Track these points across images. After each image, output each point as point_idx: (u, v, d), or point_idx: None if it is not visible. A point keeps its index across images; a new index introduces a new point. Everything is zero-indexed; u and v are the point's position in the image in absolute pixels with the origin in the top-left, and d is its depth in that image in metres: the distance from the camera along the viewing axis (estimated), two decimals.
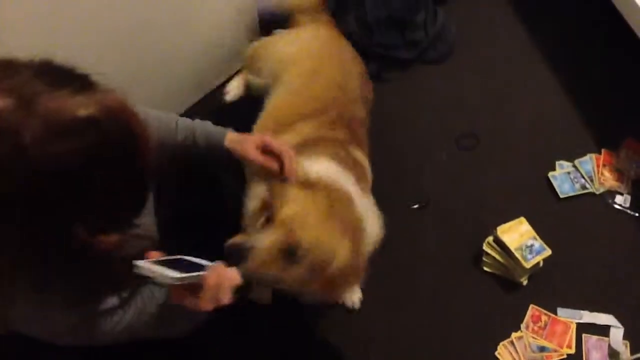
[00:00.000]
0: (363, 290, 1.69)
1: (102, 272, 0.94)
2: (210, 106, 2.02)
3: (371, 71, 2.15)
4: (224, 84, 2.06)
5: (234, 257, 0.99)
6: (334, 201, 1.12)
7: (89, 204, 0.79)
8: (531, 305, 1.68)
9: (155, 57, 1.76)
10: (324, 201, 1.10)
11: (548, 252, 1.68)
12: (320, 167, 1.25)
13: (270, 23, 2.03)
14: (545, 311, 1.67)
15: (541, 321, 1.65)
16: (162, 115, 1.29)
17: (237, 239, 1.04)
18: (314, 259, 1.04)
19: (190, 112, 1.99)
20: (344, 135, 1.43)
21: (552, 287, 1.71)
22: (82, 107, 0.73)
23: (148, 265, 0.88)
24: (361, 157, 1.44)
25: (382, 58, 2.18)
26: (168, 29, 1.72)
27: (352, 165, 1.33)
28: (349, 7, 2.16)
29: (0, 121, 0.68)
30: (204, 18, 1.82)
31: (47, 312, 0.92)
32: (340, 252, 1.09)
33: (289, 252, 1.02)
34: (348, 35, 2.10)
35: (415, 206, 1.84)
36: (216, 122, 1.35)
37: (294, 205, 1.05)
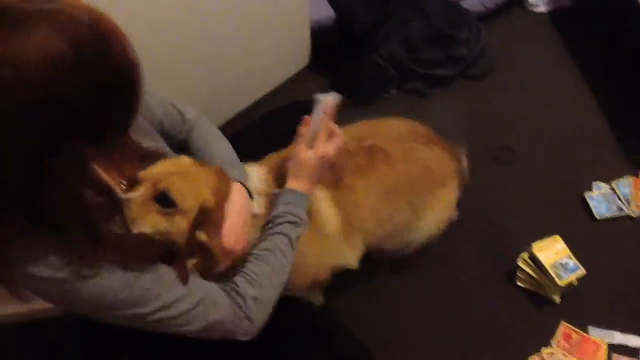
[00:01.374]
0: (398, 297, 1.76)
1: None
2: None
3: (415, 88, 2.23)
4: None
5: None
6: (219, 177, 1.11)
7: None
8: (563, 323, 1.71)
9: (213, 67, 1.86)
10: (198, 169, 1.08)
11: (582, 271, 1.71)
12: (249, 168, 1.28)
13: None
14: (577, 329, 1.70)
15: (572, 339, 1.69)
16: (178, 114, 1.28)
17: None
18: (188, 203, 1.00)
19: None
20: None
21: (585, 306, 1.74)
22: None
23: None
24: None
25: (425, 75, 2.24)
26: (232, 47, 1.84)
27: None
28: (393, 27, 2.22)
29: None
30: (262, 43, 1.93)
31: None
32: (205, 195, 1.05)
33: (163, 200, 0.98)
34: (392, 54, 2.18)
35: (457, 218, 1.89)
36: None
37: (160, 165, 1.04)
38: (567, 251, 1.75)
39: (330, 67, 2.31)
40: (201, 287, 1.01)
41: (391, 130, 1.51)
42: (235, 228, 1.08)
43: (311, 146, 1.18)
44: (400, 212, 1.46)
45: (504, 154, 2.08)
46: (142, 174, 1.00)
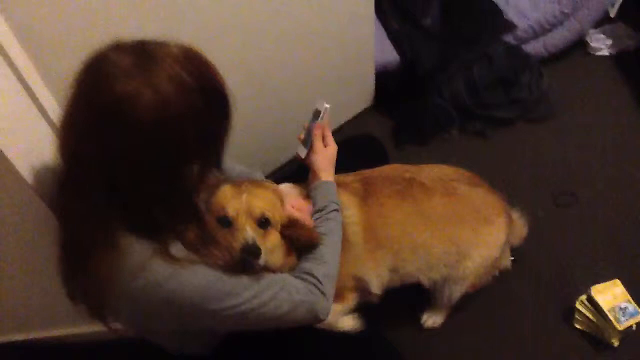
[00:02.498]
0: (455, 335, 1.81)
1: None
2: None
3: (475, 129, 2.30)
4: None
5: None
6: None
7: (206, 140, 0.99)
8: None
9: (281, 112, 2.00)
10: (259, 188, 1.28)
11: None
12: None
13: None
14: None
15: None
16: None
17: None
18: (274, 216, 1.22)
19: None
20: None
21: None
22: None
23: None
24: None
25: (485, 116, 2.31)
26: (298, 89, 1.97)
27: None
28: (455, 70, 2.31)
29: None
30: (329, 84, 2.05)
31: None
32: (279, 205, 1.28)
33: (261, 222, 1.19)
34: (454, 95, 2.27)
35: (511, 259, 1.91)
36: None
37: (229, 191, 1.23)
38: (627, 295, 1.76)
39: (392, 107, 2.42)
40: (278, 277, 1.17)
41: (434, 170, 1.59)
42: (304, 215, 1.32)
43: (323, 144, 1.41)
44: (439, 243, 1.52)
45: (564, 197, 2.11)
46: (231, 208, 1.18)
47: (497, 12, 2.45)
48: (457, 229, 1.52)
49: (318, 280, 1.19)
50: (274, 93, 1.92)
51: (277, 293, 1.12)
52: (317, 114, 1.43)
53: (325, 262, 1.23)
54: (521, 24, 2.45)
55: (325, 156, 1.40)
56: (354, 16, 1.97)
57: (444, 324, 1.85)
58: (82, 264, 1.01)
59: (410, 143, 2.33)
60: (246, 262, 1.11)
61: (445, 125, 2.34)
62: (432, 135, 2.33)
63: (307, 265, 1.23)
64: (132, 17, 1.44)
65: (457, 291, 1.64)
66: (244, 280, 1.09)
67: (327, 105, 1.42)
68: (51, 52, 1.38)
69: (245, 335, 1.25)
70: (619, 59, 2.58)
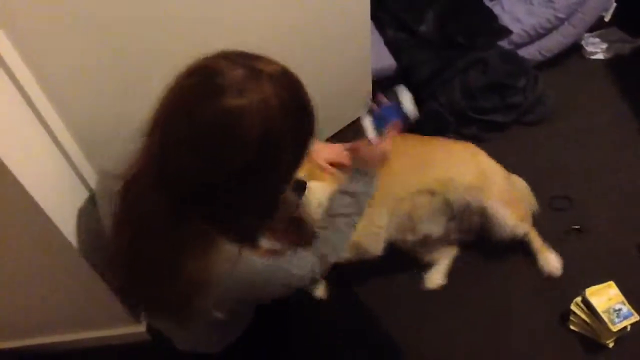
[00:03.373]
0: (448, 333, 1.84)
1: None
2: None
3: (471, 132, 2.33)
4: None
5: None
6: None
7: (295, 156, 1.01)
8: None
9: None
10: None
11: (636, 317, 1.74)
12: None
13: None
14: None
15: None
16: None
17: None
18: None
19: None
20: None
21: (638, 352, 1.76)
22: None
23: None
24: None
25: (481, 120, 2.34)
26: None
27: None
28: (451, 75, 2.34)
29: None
30: (325, 90, 2.06)
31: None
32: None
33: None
34: (450, 101, 2.29)
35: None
36: None
37: None
38: (621, 297, 1.78)
39: None
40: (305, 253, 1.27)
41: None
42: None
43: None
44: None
45: (559, 200, 2.13)
46: None
47: (492, 17, 2.48)
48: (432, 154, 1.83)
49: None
50: None
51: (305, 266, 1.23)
52: (396, 106, 1.38)
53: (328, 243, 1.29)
54: (516, 29, 2.48)
55: (377, 153, 1.36)
56: (350, 23, 2.00)
57: (439, 325, 1.88)
58: (171, 272, 1.02)
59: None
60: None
61: (441, 129, 2.36)
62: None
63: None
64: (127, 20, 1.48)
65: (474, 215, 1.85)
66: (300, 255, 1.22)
67: (417, 115, 1.39)
68: (48, 58, 1.42)
69: (251, 334, 1.32)
70: (613, 62, 2.61)
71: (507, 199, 1.87)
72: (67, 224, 1.44)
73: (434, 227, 1.88)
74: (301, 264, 1.22)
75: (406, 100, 1.38)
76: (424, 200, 1.80)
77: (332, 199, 1.33)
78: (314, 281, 1.27)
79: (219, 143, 0.91)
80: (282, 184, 1.07)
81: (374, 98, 1.45)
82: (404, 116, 1.37)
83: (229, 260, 1.04)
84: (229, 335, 1.37)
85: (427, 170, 1.81)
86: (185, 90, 0.93)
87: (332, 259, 1.29)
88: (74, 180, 1.58)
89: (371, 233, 1.74)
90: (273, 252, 1.13)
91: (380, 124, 1.36)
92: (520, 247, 1.99)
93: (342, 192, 1.32)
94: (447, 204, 1.83)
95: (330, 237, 1.30)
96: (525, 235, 1.94)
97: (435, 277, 1.96)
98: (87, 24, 1.44)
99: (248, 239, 1.08)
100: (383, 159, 1.35)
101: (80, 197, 1.60)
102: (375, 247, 1.78)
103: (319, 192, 1.49)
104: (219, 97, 0.89)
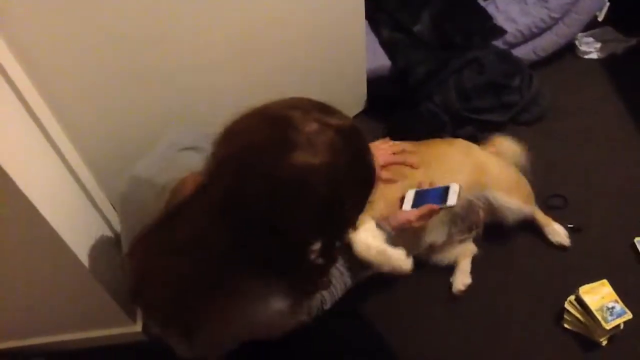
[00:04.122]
0: (443, 329, 1.85)
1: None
2: None
3: (466, 133, 2.34)
4: None
5: None
6: None
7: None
8: None
9: None
10: None
11: (629, 315, 1.75)
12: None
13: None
14: None
15: None
16: None
17: None
18: None
19: None
20: None
21: (631, 350, 1.77)
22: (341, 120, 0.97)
23: None
24: None
25: (476, 120, 2.35)
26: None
27: None
28: (446, 75, 2.35)
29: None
30: (320, 89, 2.08)
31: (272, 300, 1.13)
32: None
33: None
34: (445, 101, 2.30)
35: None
36: None
37: None
38: (614, 295, 1.80)
39: (385, 112, 2.45)
40: None
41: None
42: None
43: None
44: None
45: (554, 199, 2.14)
46: None
47: (487, 18, 2.49)
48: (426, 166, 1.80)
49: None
50: (265, 96, 1.96)
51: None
52: (443, 194, 1.55)
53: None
54: (510, 28, 2.49)
55: (404, 223, 1.50)
56: (345, 23, 2.01)
57: (434, 325, 1.90)
58: (203, 302, 1.05)
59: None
60: None
61: (437, 129, 2.37)
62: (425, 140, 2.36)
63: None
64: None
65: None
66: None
67: (454, 205, 1.53)
68: (52, 74, 1.45)
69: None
70: (607, 62, 2.62)
71: (506, 186, 1.90)
72: (63, 225, 1.45)
73: (438, 236, 1.90)
74: (314, 303, 1.29)
75: (453, 192, 1.54)
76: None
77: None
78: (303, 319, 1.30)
79: (288, 197, 0.92)
80: (342, 239, 1.11)
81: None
82: (443, 202, 1.52)
83: (257, 302, 1.09)
84: (231, 344, 1.39)
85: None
86: (261, 139, 0.93)
87: (327, 306, 1.35)
88: (72, 183, 1.60)
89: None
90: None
91: (419, 202, 1.54)
92: (514, 246, 2.00)
93: None
94: (449, 210, 1.83)
95: (337, 285, 1.36)
96: (531, 214, 1.99)
97: (461, 279, 1.96)
98: (96, 43, 1.48)
99: (299, 293, 1.14)
100: (404, 228, 1.49)
101: (76, 199, 1.62)
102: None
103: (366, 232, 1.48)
104: (292, 152, 0.89)
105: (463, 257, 2.01)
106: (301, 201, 0.92)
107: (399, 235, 1.54)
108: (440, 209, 1.52)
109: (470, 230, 1.99)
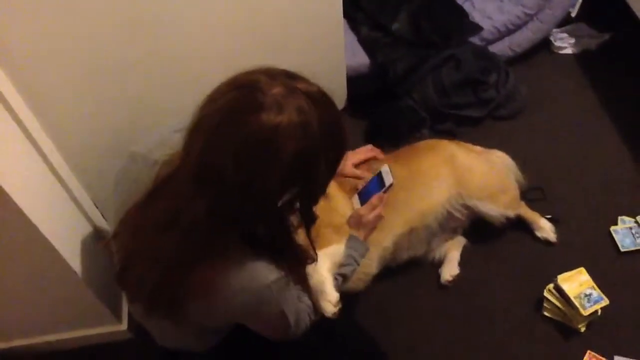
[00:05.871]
0: (426, 321, 1.88)
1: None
2: None
3: (445, 128, 2.38)
4: None
5: None
6: None
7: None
8: (588, 351, 1.79)
9: None
10: None
11: (606, 301, 1.80)
12: None
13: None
14: (602, 358, 1.77)
15: None
16: None
17: None
18: None
19: None
20: None
21: (609, 335, 1.82)
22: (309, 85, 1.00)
23: None
24: None
25: (454, 115, 2.39)
26: None
27: None
28: (425, 72, 2.38)
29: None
30: None
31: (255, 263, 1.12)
32: None
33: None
34: (424, 97, 2.33)
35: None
36: None
37: None
38: (591, 282, 1.84)
39: (365, 109, 2.49)
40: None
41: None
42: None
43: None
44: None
45: (532, 191, 2.18)
46: None
47: (463, 15, 2.53)
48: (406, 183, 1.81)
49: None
50: None
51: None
52: (380, 181, 1.57)
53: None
54: (487, 25, 2.53)
55: (362, 221, 1.51)
56: (323, 22, 2.03)
57: (418, 313, 1.94)
58: (187, 269, 1.06)
59: (383, 145, 2.38)
60: None
61: (416, 126, 2.41)
62: (404, 136, 2.38)
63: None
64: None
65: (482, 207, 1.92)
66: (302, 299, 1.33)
67: (392, 182, 1.55)
68: (32, 72, 1.46)
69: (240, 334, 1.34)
70: (581, 57, 2.68)
71: (488, 193, 1.92)
72: (46, 225, 1.45)
73: (417, 250, 1.96)
74: (299, 308, 1.28)
75: (386, 173, 1.57)
76: (404, 238, 1.86)
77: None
78: (299, 331, 1.30)
79: (256, 157, 0.94)
80: (314, 201, 1.11)
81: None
82: (382, 186, 1.55)
83: (241, 270, 1.09)
84: (216, 336, 1.40)
85: (405, 208, 1.83)
86: (227, 103, 0.95)
87: (314, 318, 1.35)
88: (54, 183, 1.60)
89: (358, 279, 1.76)
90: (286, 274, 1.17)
91: (365, 199, 1.57)
92: (494, 236, 2.04)
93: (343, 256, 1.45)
94: (428, 228, 1.89)
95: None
96: (517, 215, 2.02)
97: (448, 269, 1.99)
98: (77, 39, 1.49)
99: (277, 255, 1.14)
100: (373, 226, 1.52)
101: (59, 199, 1.62)
102: (360, 286, 1.81)
103: (326, 257, 1.50)
104: (258, 113, 0.92)
105: (452, 249, 2.04)
106: (270, 160, 0.94)
107: (372, 243, 1.58)
108: (384, 192, 1.54)
109: (454, 232, 2.03)
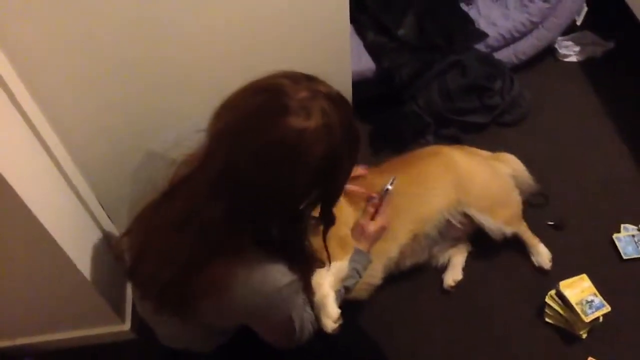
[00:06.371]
0: (427, 327, 1.89)
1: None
2: None
3: (450, 134, 2.39)
4: None
5: None
6: None
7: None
8: (589, 358, 1.79)
9: None
10: None
11: (607, 308, 1.80)
12: None
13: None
14: None
15: None
16: None
17: None
18: None
19: None
20: None
21: (611, 342, 1.83)
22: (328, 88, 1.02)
23: None
24: None
25: (459, 121, 2.40)
26: None
27: None
28: (430, 78, 2.39)
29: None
30: None
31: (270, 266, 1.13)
32: None
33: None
34: (429, 103, 2.35)
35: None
36: None
37: None
38: (593, 289, 1.85)
39: (370, 114, 2.50)
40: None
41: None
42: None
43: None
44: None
45: (536, 197, 2.19)
46: None
47: (469, 22, 2.55)
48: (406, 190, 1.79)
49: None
50: None
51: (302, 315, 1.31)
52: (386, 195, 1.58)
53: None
54: (492, 32, 2.54)
55: (363, 232, 1.53)
56: (329, 26, 2.04)
57: (417, 320, 1.95)
58: (200, 267, 1.07)
59: (387, 149, 2.41)
60: None
61: (421, 131, 2.42)
62: (409, 142, 2.40)
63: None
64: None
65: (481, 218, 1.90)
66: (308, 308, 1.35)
67: (390, 187, 1.56)
68: (42, 73, 1.47)
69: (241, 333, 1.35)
70: (586, 64, 2.69)
71: (488, 205, 1.90)
72: (54, 224, 1.47)
73: (418, 258, 1.96)
74: (305, 316, 1.30)
75: (390, 182, 1.58)
76: (407, 246, 1.85)
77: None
78: (303, 338, 1.32)
79: (284, 161, 0.95)
80: (334, 202, 1.14)
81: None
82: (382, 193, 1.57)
83: (254, 272, 1.10)
84: (222, 337, 1.41)
85: (406, 215, 1.82)
86: (253, 108, 0.97)
87: (316, 327, 1.36)
88: (62, 183, 1.61)
89: (362, 289, 1.76)
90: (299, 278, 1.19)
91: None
92: (497, 243, 2.05)
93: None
94: (428, 236, 1.89)
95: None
96: (515, 233, 1.99)
97: (451, 274, 1.99)
98: (86, 39, 1.52)
99: (291, 258, 1.15)
100: (377, 237, 1.54)
101: (66, 199, 1.63)
102: (363, 295, 1.81)
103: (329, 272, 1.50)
104: (285, 117, 0.93)
105: (456, 254, 2.04)
106: (298, 163, 0.96)
107: (375, 254, 1.59)
108: (380, 198, 1.55)
109: (457, 240, 2.03)
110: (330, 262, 1.33)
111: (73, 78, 1.59)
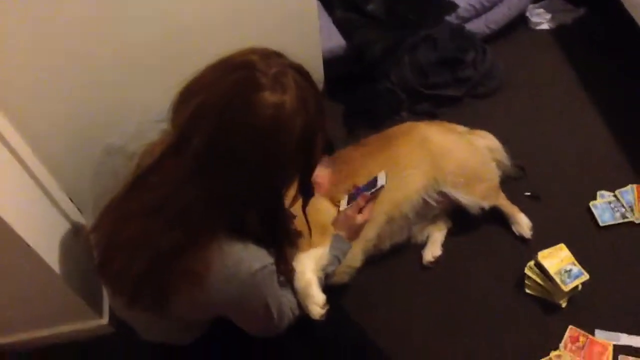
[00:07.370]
0: (410, 302, 1.89)
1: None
2: None
3: (424, 109, 2.37)
4: None
5: None
6: None
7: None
8: (570, 326, 1.80)
9: None
10: None
11: (586, 276, 1.81)
12: None
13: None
14: (584, 332, 1.79)
15: (579, 341, 1.78)
16: None
17: None
18: None
19: None
20: None
21: (590, 309, 1.83)
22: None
23: None
24: None
25: (433, 96, 2.38)
26: None
27: None
28: (402, 53, 2.36)
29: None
30: None
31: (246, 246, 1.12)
32: None
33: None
34: (402, 78, 2.31)
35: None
36: None
37: None
38: (571, 258, 1.85)
39: (343, 92, 2.46)
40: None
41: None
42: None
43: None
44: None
45: (513, 169, 2.18)
46: None
47: None
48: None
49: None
50: None
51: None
52: (372, 184, 1.55)
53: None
54: (462, 3, 2.52)
55: (349, 223, 1.51)
56: (296, 4, 2.00)
57: (399, 289, 1.94)
58: (174, 257, 1.04)
59: (362, 128, 2.38)
60: None
61: (395, 108, 2.40)
62: (383, 119, 2.37)
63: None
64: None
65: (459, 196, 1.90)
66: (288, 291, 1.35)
67: (384, 184, 1.52)
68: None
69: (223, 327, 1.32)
70: (558, 32, 2.68)
71: (464, 181, 1.88)
72: (19, 220, 1.43)
73: (398, 237, 1.95)
74: (282, 301, 1.27)
75: (380, 177, 1.54)
76: (386, 228, 1.85)
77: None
78: (282, 326, 1.29)
79: (268, 136, 0.96)
80: (312, 174, 1.13)
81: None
82: (372, 187, 1.53)
83: (227, 259, 1.08)
84: (200, 328, 1.39)
85: (382, 198, 1.73)
86: (229, 85, 0.96)
87: (297, 313, 1.35)
88: (23, 174, 1.57)
89: (343, 272, 1.77)
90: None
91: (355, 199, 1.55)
92: (477, 218, 2.04)
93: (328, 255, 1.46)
94: (405, 218, 1.88)
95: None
96: (493, 206, 1.99)
97: (431, 250, 1.99)
98: (46, 40, 1.48)
99: (268, 239, 1.15)
100: (360, 229, 1.52)
101: (31, 193, 1.59)
102: (345, 279, 1.81)
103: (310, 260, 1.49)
104: (263, 92, 0.94)
105: (436, 230, 2.03)
106: (281, 137, 0.97)
107: (357, 242, 1.58)
108: (372, 193, 1.52)
109: (435, 218, 2.02)
110: (311, 235, 1.33)
111: (32, 70, 1.54)
